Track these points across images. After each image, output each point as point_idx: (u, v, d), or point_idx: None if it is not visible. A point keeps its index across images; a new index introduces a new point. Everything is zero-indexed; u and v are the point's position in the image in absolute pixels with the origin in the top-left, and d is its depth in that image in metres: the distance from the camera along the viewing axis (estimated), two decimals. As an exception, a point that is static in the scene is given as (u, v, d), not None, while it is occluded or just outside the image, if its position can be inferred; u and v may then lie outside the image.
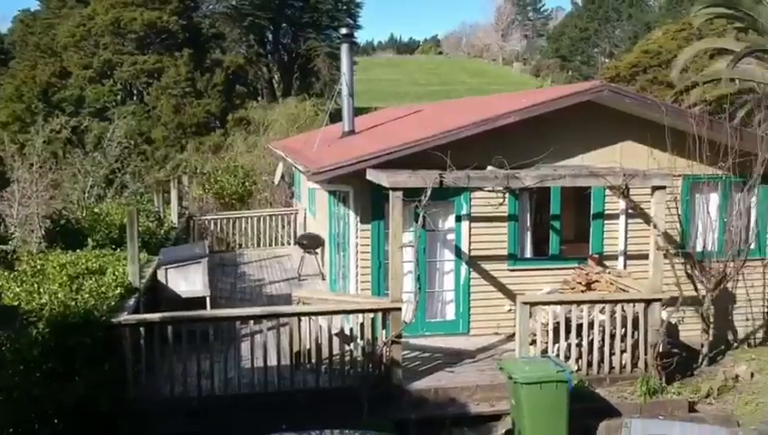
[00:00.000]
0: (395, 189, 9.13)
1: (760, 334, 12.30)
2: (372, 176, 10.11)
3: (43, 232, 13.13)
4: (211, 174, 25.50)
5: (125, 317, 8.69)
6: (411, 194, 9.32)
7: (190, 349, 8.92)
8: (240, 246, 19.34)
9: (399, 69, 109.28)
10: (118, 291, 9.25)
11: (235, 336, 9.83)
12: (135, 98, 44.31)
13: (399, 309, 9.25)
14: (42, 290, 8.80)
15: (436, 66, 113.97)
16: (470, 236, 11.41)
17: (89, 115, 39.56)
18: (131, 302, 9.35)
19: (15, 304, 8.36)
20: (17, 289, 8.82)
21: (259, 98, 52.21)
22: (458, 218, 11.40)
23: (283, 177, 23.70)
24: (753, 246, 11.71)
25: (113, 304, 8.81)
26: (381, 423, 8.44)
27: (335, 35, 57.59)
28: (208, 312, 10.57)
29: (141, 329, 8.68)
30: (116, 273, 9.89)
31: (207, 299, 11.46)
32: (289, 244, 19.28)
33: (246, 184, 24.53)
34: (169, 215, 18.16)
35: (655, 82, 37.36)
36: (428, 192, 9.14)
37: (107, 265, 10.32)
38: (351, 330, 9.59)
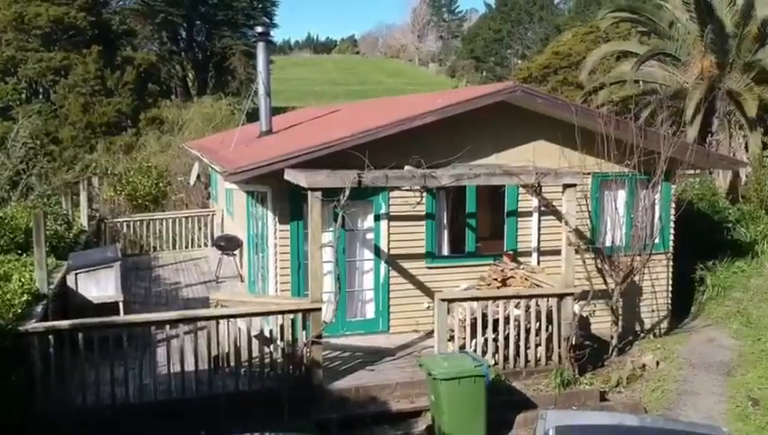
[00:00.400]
0: (313, 190, 9.11)
1: (665, 325, 12.91)
2: (290, 176, 10.04)
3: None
4: (123, 175, 24.75)
5: (32, 325, 8.33)
6: (330, 194, 9.32)
7: (103, 356, 8.63)
8: (155, 248, 18.85)
9: (317, 68, 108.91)
10: (24, 298, 8.85)
11: (150, 342, 9.56)
12: (41, 96, 42.48)
13: (319, 309, 9.23)
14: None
15: (354, 66, 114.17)
16: (389, 235, 11.50)
17: (-10, 114, 37.74)
18: (39, 309, 8.97)
19: None
20: None
21: (173, 96, 50.97)
22: (377, 218, 11.47)
23: (198, 177, 23.26)
24: (657, 241, 12.28)
25: (20, 311, 8.43)
26: (302, 424, 8.43)
27: (251, 34, 56.95)
28: (121, 317, 10.23)
29: (50, 337, 8.33)
30: (22, 279, 9.46)
31: (121, 304, 11.12)
32: (206, 246, 18.93)
33: (160, 185, 23.93)
34: (79, 218, 17.50)
35: (565, 82, 38.63)
36: (347, 192, 9.15)
37: (12, 271, 9.85)
38: (271, 331, 9.50)
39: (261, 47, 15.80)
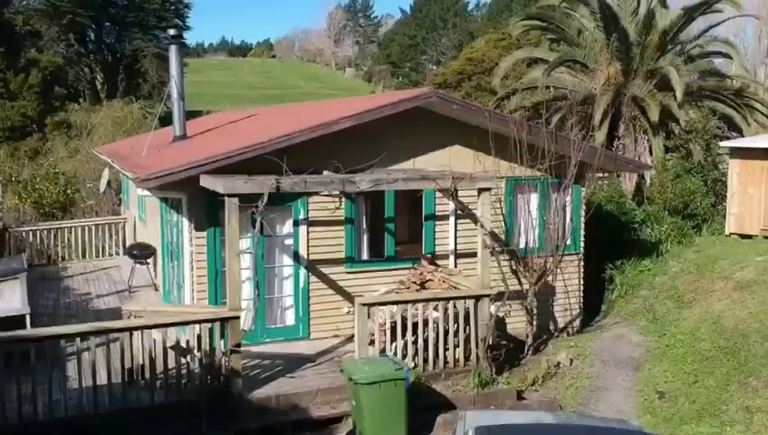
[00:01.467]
0: (230, 195, 8.97)
1: (577, 323, 13.35)
2: (207, 182, 9.85)
3: None
4: (29, 182, 23.68)
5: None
6: (248, 199, 9.19)
7: (8, 372, 8.23)
8: (63, 258, 18.12)
9: (232, 71, 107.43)
10: None
11: (60, 356, 9.19)
12: (-63, 99, 40.22)
13: (238, 317, 9.10)
14: None
15: (270, 70, 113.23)
16: (308, 240, 11.44)
17: None
18: (-63, 325, 8.48)
19: None
20: None
21: (81, 100, 49.21)
22: (296, 223, 11.40)
23: (109, 183, 22.51)
24: (569, 242, 12.68)
25: None
26: (222, 436, 8.27)
27: (163, 36, 55.65)
28: (28, 331, 9.76)
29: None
30: None
31: (27, 317, 10.64)
32: (118, 254, 18.34)
33: (69, 192, 23.02)
34: (-20, 227, 16.66)
35: (479, 88, 39.45)
36: (265, 198, 9.05)
37: None
38: (188, 342, 9.28)
39: (173, 50, 15.45)
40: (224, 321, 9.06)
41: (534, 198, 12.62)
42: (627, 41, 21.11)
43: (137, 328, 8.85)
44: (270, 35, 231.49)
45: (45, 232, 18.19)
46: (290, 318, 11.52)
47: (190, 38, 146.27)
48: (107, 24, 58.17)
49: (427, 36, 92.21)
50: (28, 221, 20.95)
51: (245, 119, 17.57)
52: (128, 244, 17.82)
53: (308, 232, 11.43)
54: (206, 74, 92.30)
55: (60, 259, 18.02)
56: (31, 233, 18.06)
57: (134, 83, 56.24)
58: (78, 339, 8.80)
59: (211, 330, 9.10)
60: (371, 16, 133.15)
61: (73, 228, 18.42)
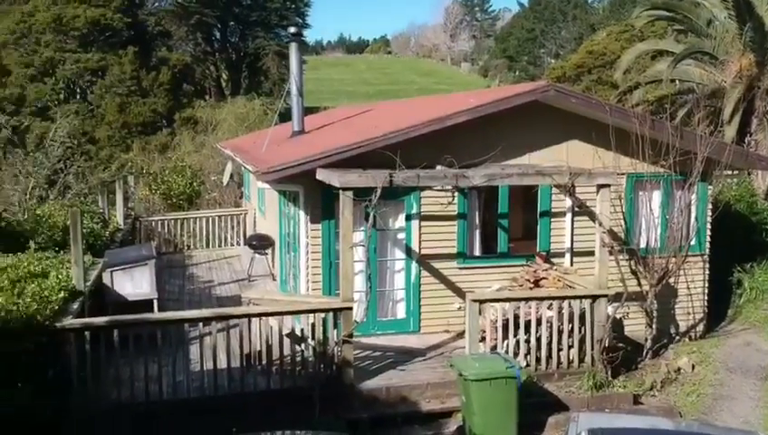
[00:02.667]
0: (345, 189, 9.13)
1: (700, 328, 12.69)
2: (322, 175, 10.08)
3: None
4: (158, 174, 25.06)
5: (69, 322, 8.48)
6: (361, 193, 9.33)
7: (137, 353, 8.75)
8: (188, 247, 19.07)
9: (349, 68, 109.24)
10: (61, 295, 8.99)
11: (183, 339, 9.68)
12: (78, 97, 43.24)
13: (350, 308, 9.25)
14: (-20, 295, 8.52)
15: (386, 66, 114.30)
16: (420, 234, 11.47)
17: (30, 114, 38.51)
18: (75, 306, 9.11)
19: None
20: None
21: (207, 97, 51.54)
22: (408, 217, 11.45)
23: (232, 177, 23.47)
24: (693, 242, 12.06)
25: (57, 308, 8.56)
26: (333, 423, 8.44)
27: (284, 34, 57.26)
28: (156, 315, 10.37)
29: (86, 333, 8.48)
30: (59, 276, 9.63)
31: (155, 302, 11.28)
32: (239, 245, 19.09)
33: (194, 184, 24.19)
34: (115, 216, 17.78)
35: (599, 82, 38.20)
36: (378, 191, 9.16)
37: (50, 268, 10.03)
38: (302, 330, 9.54)
39: (293, 48, 15.86)
40: (337, 311, 9.25)
41: (657, 196, 12.09)
42: (762, 30, 19.81)
43: (255, 315, 9.19)
44: (387, 31, 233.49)
45: (172, 222, 19.19)
46: (401, 311, 11.61)
47: (309, 36, 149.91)
48: (231, 23, 60.57)
49: (546, 29, 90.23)
50: (157, 211, 22.18)
51: (361, 114, 17.81)
52: (248, 235, 18.53)
53: (420, 226, 11.47)
54: (324, 71, 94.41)
55: (185, 248, 18.97)
56: (159, 223, 19.11)
57: (256, 81, 58.29)
58: (201, 324, 9.25)
59: (324, 320, 9.31)
60: (488, 10, 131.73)
61: (198, 219, 19.35)
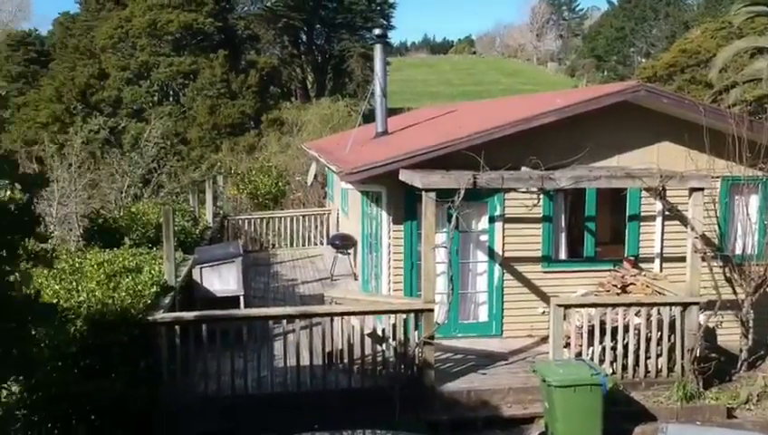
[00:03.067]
0: (428, 190, 9.11)
1: (801, 340, 12.01)
2: (405, 176, 10.10)
3: (81, 231, 13.35)
4: (245, 174, 25.72)
5: (161, 315, 8.80)
6: (444, 194, 9.30)
7: (224, 347, 9.00)
8: (273, 245, 19.48)
9: (433, 69, 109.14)
10: (154, 289, 9.34)
11: (268, 335, 9.89)
12: (171, 99, 44.88)
13: (432, 310, 9.22)
14: (80, 288, 8.94)
15: (470, 66, 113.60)
16: (504, 237, 11.33)
17: (126, 116, 40.22)
18: (167, 300, 9.46)
19: (54, 301, 8.50)
20: (56, 287, 8.96)
21: (292, 99, 52.57)
22: (492, 219, 11.33)
23: (316, 177, 23.84)
24: (794, 250, 11.43)
25: (149, 302, 8.91)
26: (413, 424, 8.43)
27: (369, 36, 57.87)
28: (242, 311, 10.65)
29: (177, 327, 8.77)
30: (152, 271, 10.01)
31: (241, 298, 11.55)
32: (322, 244, 19.37)
33: (280, 184, 24.70)
34: (204, 214, 18.35)
35: (693, 81, 36.80)
36: (461, 193, 9.10)
37: (143, 263, 10.44)
38: (384, 330, 9.58)
39: (378, 49, 15.97)
40: (418, 313, 9.24)
41: (754, 200, 11.54)
42: None
43: (338, 314, 9.30)
44: (471, 32, 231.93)
45: (258, 221, 19.66)
46: (483, 314, 11.50)
47: (394, 37, 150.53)
48: (318, 26, 61.59)
49: (636, 27, 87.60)
50: (244, 210, 22.77)
51: (444, 115, 17.76)
52: (331, 234, 18.78)
53: (504, 229, 11.33)
54: (408, 72, 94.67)
55: (270, 246, 19.39)
56: (246, 221, 19.61)
57: (341, 82, 59.06)
58: (284, 321, 9.42)
59: (406, 320, 9.32)
60: (576, 9, 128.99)
61: (283, 218, 19.75)
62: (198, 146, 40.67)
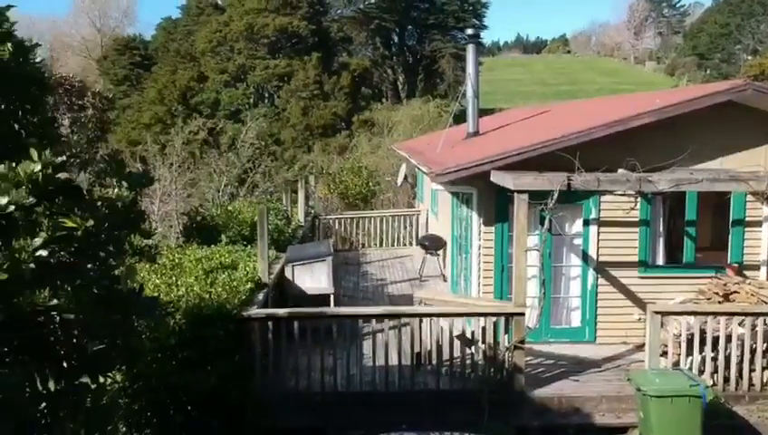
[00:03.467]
0: (520, 192, 8.97)
1: None
2: (497, 177, 9.98)
3: (181, 228, 13.88)
4: (336, 174, 26.11)
5: (254, 311, 9.03)
6: (537, 196, 9.14)
7: (314, 344, 9.14)
8: (363, 245, 19.67)
9: (526, 68, 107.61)
10: (248, 286, 9.61)
11: (357, 334, 9.97)
12: (266, 101, 46.11)
13: (523, 314, 9.07)
14: (179, 283, 9.29)
15: (565, 66, 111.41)
16: (598, 241, 11.03)
17: (224, 117, 41.57)
18: (260, 296, 9.70)
19: (155, 295, 8.87)
20: (157, 281, 9.35)
21: (383, 99, 52.95)
22: (586, 222, 11.05)
23: (406, 178, 23.92)
24: None
25: (244, 298, 9.16)
26: (502, 429, 8.33)
27: (460, 36, 57.65)
28: (332, 309, 10.79)
29: (269, 323, 8.98)
30: (247, 268, 10.29)
31: (331, 297, 11.71)
32: (411, 244, 19.41)
33: (370, 184, 24.92)
34: (296, 214, 18.75)
35: (805, 79, 34.76)
36: (555, 195, 8.91)
37: (238, 260, 10.76)
38: (473, 333, 9.50)
39: (470, 49, 15.85)
40: (509, 316, 9.10)
41: None
42: None
43: (426, 315, 9.29)
44: (566, 31, 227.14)
45: (349, 221, 19.90)
46: (575, 320, 11.23)
47: (486, 37, 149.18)
48: (409, 27, 61.80)
49: (743, 23, 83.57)
50: (334, 210, 23.10)
51: (537, 116, 17.47)
52: (420, 235, 18.81)
53: (599, 232, 11.03)
54: (500, 72, 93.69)
55: (360, 246, 19.59)
56: (336, 221, 19.88)
57: (431, 83, 59.09)
58: (374, 320, 9.49)
59: (496, 323, 9.21)
60: (677, 5, 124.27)
61: (373, 218, 19.91)
62: (291, 146, 41.60)
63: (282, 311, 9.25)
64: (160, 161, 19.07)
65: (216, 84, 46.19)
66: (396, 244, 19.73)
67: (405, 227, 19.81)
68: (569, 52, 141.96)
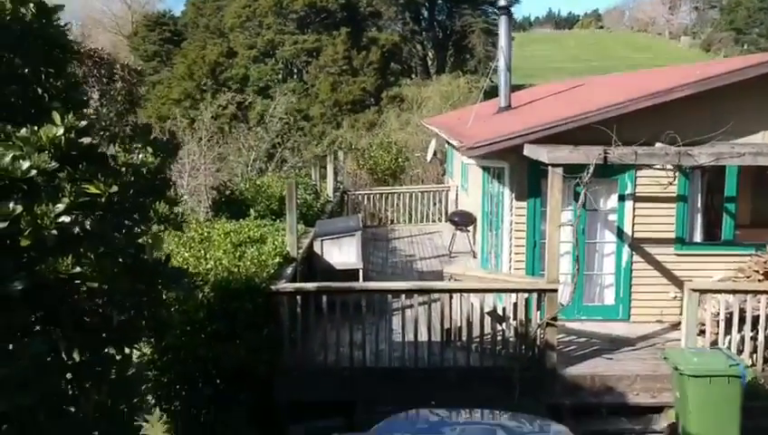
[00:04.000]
0: (555, 165, 8.73)
1: None
2: (530, 151, 9.73)
3: (210, 202, 13.85)
4: (365, 150, 25.93)
5: (283, 285, 8.94)
6: (571, 171, 8.89)
7: (343, 319, 9.05)
8: (392, 221, 19.54)
9: (557, 44, 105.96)
10: (276, 260, 9.53)
11: (386, 309, 9.85)
12: (295, 76, 45.97)
13: (556, 290, 8.86)
14: (208, 256, 9.24)
15: (597, 41, 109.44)
16: (634, 216, 10.74)
17: (253, 93, 41.55)
18: (289, 271, 9.61)
19: (185, 267, 8.83)
20: (186, 254, 9.31)
21: (412, 75, 52.51)
22: (621, 198, 10.76)
23: (435, 153, 23.67)
24: None
25: (272, 272, 9.08)
26: (533, 407, 8.17)
27: (491, 11, 56.83)
28: (361, 284, 10.66)
29: (298, 297, 8.89)
30: (275, 242, 10.21)
31: (360, 271, 11.61)
32: (440, 221, 19.23)
33: (399, 160, 24.72)
34: (325, 189, 18.64)
35: None
36: (591, 169, 8.66)
37: (267, 234, 10.67)
38: (504, 309, 9.32)
39: (503, 21, 15.47)
40: (541, 293, 8.90)
41: None
42: None
43: (456, 291, 9.13)
44: (598, 5, 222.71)
45: (377, 196, 19.75)
46: (609, 297, 10.99)
47: (517, 12, 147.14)
48: (439, 1, 60.99)
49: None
50: (363, 186, 22.96)
51: (570, 89, 17.07)
52: (449, 211, 18.64)
53: (634, 208, 10.73)
54: (531, 48, 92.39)
55: (389, 222, 19.46)
56: (365, 196, 19.74)
57: (461, 58, 58.44)
58: (403, 296, 9.36)
59: (528, 300, 9.02)
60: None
61: (401, 194, 19.73)
62: (320, 122, 41.49)
63: (310, 285, 9.14)
64: (189, 136, 19.06)
65: (245, 60, 46.13)
66: (425, 220, 19.55)
67: (434, 204, 19.60)
68: (601, 27, 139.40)
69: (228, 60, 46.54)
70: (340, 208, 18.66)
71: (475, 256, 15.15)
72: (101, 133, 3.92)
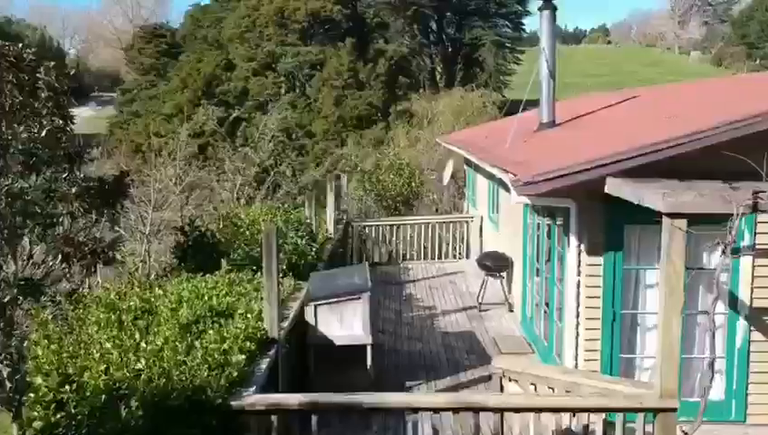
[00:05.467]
0: (675, 216, 5.64)
1: None
2: (615, 188, 6.69)
3: (173, 246, 10.82)
4: (373, 172, 22.77)
5: (251, 399, 5.83)
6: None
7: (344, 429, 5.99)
8: (404, 257, 16.50)
9: (565, 60, 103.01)
10: (248, 346, 6.46)
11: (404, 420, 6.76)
12: (297, 90, 43.20)
13: (675, 409, 5.76)
14: (142, 346, 6.19)
15: (605, 56, 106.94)
16: (753, 278, 7.65)
17: (252, 108, 38.71)
18: (264, 365, 6.53)
19: (103, 368, 5.79)
20: (107, 344, 6.23)
21: (421, 89, 49.74)
22: (735, 251, 7.66)
23: (452, 176, 20.62)
24: None
25: (236, 374, 5.98)
26: None
27: (502, 23, 54.44)
28: (369, 397, 6.93)
29: (273, 418, 5.80)
30: (248, 315, 7.16)
31: (368, 348, 8.54)
32: (462, 257, 16.19)
33: (413, 184, 21.57)
34: (325, 223, 15.48)
35: None
36: (736, 222, 5.57)
37: (237, 303, 7.59)
38: (586, 428, 6.19)
39: (544, 17, 12.44)
40: (650, 412, 5.77)
41: None
42: None
43: (519, 410, 5.96)
44: (606, 20, 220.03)
45: (387, 227, 16.72)
46: (717, 390, 7.84)
47: (525, 26, 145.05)
48: (448, 13, 58.50)
49: (800, 10, 78.66)
50: (371, 213, 19.94)
51: (623, 102, 13.94)
52: (472, 246, 15.61)
53: (753, 266, 7.64)
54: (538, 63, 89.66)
55: (400, 258, 16.44)
56: (373, 228, 16.69)
57: (471, 72, 55.89)
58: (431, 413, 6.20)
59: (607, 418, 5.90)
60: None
61: (417, 225, 16.70)
62: (323, 139, 38.64)
63: (292, 399, 5.98)
64: (163, 159, 15.96)
65: (244, 72, 43.31)
66: (443, 256, 16.49)
67: (455, 237, 16.54)
68: (609, 42, 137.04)
69: (227, 72, 43.77)
70: (342, 245, 15.61)
71: (510, 310, 12.11)
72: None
